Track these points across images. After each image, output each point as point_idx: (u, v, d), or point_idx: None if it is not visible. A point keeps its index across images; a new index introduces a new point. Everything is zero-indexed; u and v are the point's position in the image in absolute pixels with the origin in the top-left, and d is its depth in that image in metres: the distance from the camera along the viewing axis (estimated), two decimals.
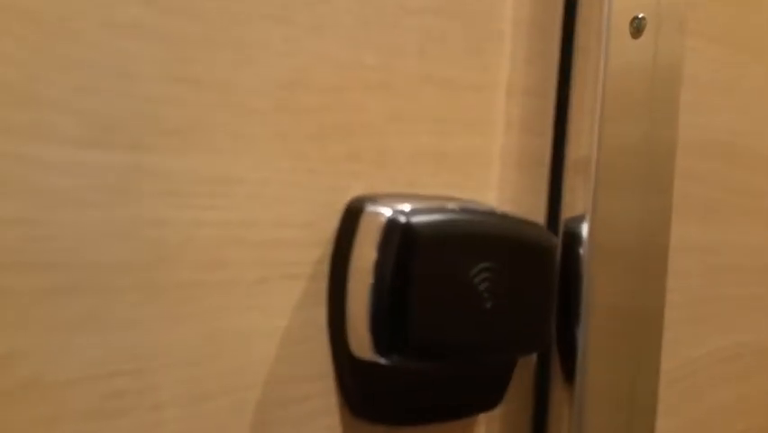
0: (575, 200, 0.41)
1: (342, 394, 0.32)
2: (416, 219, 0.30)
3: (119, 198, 0.25)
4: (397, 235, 0.30)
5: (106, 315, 0.24)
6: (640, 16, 0.40)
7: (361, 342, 0.30)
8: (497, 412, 0.39)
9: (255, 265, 0.29)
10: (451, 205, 0.33)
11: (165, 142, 0.26)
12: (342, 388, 0.32)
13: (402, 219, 0.30)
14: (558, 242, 0.37)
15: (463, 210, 0.33)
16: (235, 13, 0.27)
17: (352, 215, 0.31)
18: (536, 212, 0.41)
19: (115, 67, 0.24)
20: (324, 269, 0.31)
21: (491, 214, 0.35)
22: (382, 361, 0.30)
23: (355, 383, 0.31)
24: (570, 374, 0.41)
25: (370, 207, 0.31)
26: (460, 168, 0.37)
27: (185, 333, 0.27)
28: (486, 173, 0.39)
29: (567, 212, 0.41)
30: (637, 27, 0.40)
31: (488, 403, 0.37)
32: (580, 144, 0.41)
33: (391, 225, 0.30)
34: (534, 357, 0.41)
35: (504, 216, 0.35)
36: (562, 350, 0.41)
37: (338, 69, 0.31)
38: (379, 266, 0.29)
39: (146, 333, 0.25)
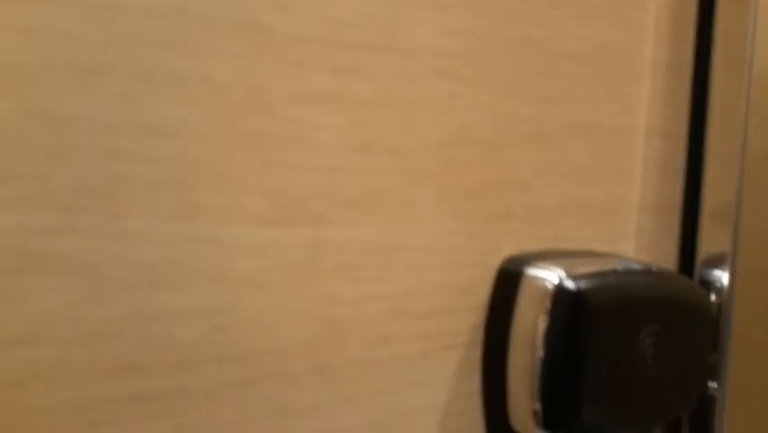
0: (710, 245, 0.39)
1: None
2: (585, 285, 0.28)
3: (299, 276, 0.23)
4: (569, 303, 0.28)
5: (288, 402, 0.23)
6: None
7: (523, 416, 0.28)
8: None
9: (418, 339, 0.27)
10: (612, 265, 0.31)
11: (343, 214, 0.24)
12: None
13: (571, 286, 0.28)
14: (712, 301, 0.35)
15: (627, 271, 0.31)
16: (406, 71, 0.25)
17: (509, 278, 0.29)
18: (668, 258, 0.39)
19: (301, 139, 0.22)
20: (479, 335, 0.29)
21: (649, 272, 0.32)
22: None
23: None
24: None
25: (530, 271, 0.29)
26: (601, 218, 0.35)
27: (357, 418, 0.25)
28: (625, 222, 0.37)
29: (701, 258, 0.39)
30: None
31: None
32: (723, 191, 0.38)
33: (561, 292, 0.28)
34: None
35: (661, 274, 0.33)
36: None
37: (495, 122, 0.29)
38: (549, 336, 0.27)
39: (326, 417, 0.24)
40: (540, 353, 0.28)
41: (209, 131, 0.20)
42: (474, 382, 0.29)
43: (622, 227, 0.36)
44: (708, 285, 0.38)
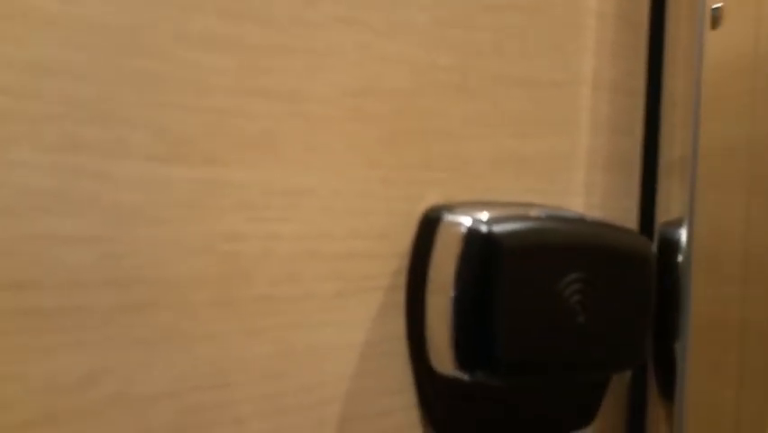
0: (671, 204, 0.38)
1: (424, 409, 0.30)
2: (497, 228, 0.29)
3: (194, 213, 0.25)
4: (479, 246, 0.28)
5: (186, 330, 0.24)
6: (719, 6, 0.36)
7: (442, 357, 0.29)
8: (588, 432, 0.37)
9: (331, 279, 0.28)
10: (535, 212, 0.31)
11: (238, 155, 0.25)
12: (424, 403, 0.30)
13: (483, 228, 0.28)
14: (654, 251, 0.34)
15: (549, 217, 0.31)
16: (308, 20, 0.27)
17: (429, 225, 0.30)
18: (628, 218, 0.39)
19: (190, 80, 0.24)
20: (402, 281, 0.30)
21: (581, 221, 0.33)
22: (465, 377, 0.29)
23: (438, 399, 0.30)
24: (668, 391, 0.38)
25: (448, 217, 0.30)
26: (542, 172, 0.35)
27: (263, 348, 0.26)
28: (571, 177, 0.37)
29: (662, 217, 0.38)
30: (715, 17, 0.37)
31: (579, 422, 0.35)
32: (675, 144, 0.38)
33: (471, 234, 0.28)
34: (628, 373, 0.39)
35: (595, 224, 0.33)
36: (658, 365, 0.38)
37: (411, 73, 0.30)
38: (460, 279, 0.28)
39: (225, 348, 0.25)
40: (452, 294, 0.28)
41: (91, 70, 0.22)
42: (399, 326, 0.30)
43: (567, 182, 0.36)
44: (669, 244, 0.38)
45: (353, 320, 0.29)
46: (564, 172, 0.36)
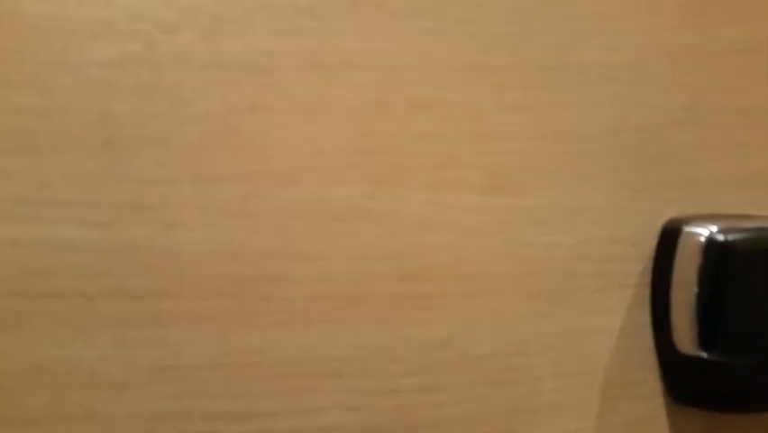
0: None
1: (665, 382, 0.38)
2: (731, 236, 0.36)
3: (504, 228, 0.34)
4: (717, 252, 0.36)
5: (502, 311, 0.34)
6: None
7: (685, 339, 0.37)
8: None
9: (596, 277, 0.37)
10: (759, 223, 0.38)
11: (533, 185, 0.35)
12: (665, 377, 0.38)
13: (720, 237, 0.36)
14: None
15: None
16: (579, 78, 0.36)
17: (670, 234, 0.38)
18: None
19: (501, 133, 0.34)
20: (647, 279, 0.38)
21: None
22: (704, 355, 0.36)
23: (677, 374, 0.38)
24: None
25: (688, 228, 0.37)
26: (762, 187, 0.41)
27: (550, 327, 0.35)
28: None
29: None
30: None
31: None
32: None
33: (711, 243, 0.36)
34: None
35: None
36: None
37: (652, 111, 0.38)
38: (702, 278, 0.36)
39: (526, 325, 0.35)
40: (695, 290, 0.36)
41: (438, 130, 0.33)
42: (644, 315, 0.38)
43: None
44: None
45: (611, 310, 0.37)
46: None
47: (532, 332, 0.35)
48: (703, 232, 0.36)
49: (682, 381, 0.38)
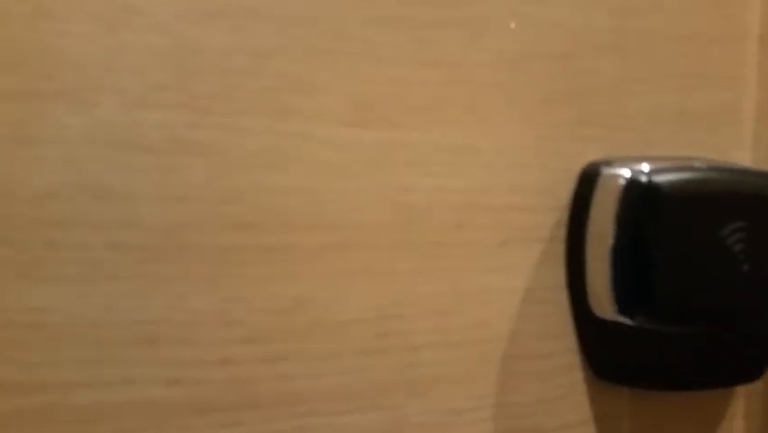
0: None
1: (584, 354, 0.32)
2: (657, 178, 0.30)
3: (375, 168, 0.29)
4: (638, 195, 0.29)
5: (372, 267, 0.28)
6: None
7: (602, 303, 0.31)
8: (759, 388, 0.36)
9: (494, 229, 0.31)
10: (696, 163, 0.32)
11: (411, 119, 0.29)
12: (584, 348, 0.32)
13: (643, 179, 0.30)
14: None
15: (711, 168, 0.31)
16: None
17: (588, 179, 0.32)
18: None
19: (370, 56, 0.28)
20: (562, 233, 0.32)
21: (744, 171, 0.32)
22: (626, 321, 0.30)
23: (598, 344, 0.32)
24: None
25: (607, 170, 0.31)
26: (704, 126, 0.35)
27: (434, 286, 0.30)
28: (736, 130, 0.36)
29: None
30: None
31: (746, 375, 0.35)
32: None
33: (631, 185, 0.30)
34: None
35: (760, 174, 0.33)
36: None
37: (567, 36, 0.32)
38: (620, 227, 0.30)
39: (403, 284, 0.29)
40: (611, 242, 0.30)
41: (299, 52, 0.27)
42: (559, 274, 0.32)
43: (732, 136, 0.36)
44: None
45: (516, 267, 0.31)
46: (729, 126, 0.36)
47: (410, 292, 0.29)
48: (623, 173, 0.30)
49: (603, 352, 0.32)
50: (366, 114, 0.28)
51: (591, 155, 0.33)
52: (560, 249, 0.32)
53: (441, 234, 0.30)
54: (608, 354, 0.32)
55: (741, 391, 0.36)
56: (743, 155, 0.36)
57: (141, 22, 0.25)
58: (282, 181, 0.27)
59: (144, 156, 0.25)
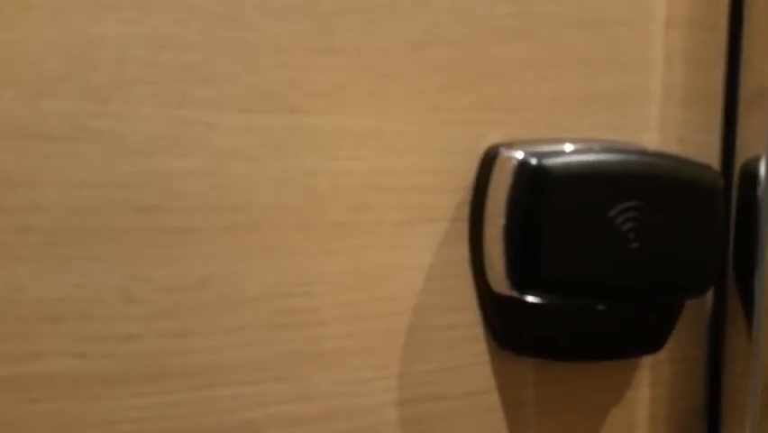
0: (752, 139, 0.38)
1: (487, 326, 0.34)
2: (547, 160, 0.31)
3: (278, 152, 0.30)
4: (527, 176, 0.31)
5: (276, 247, 0.30)
6: None
7: (498, 279, 0.32)
8: (664, 357, 0.38)
9: (398, 209, 0.32)
10: (592, 146, 0.33)
11: (313, 104, 0.30)
12: (486, 320, 0.34)
13: (533, 161, 0.31)
14: (722, 182, 0.35)
15: (606, 149, 0.33)
16: None
17: (488, 161, 0.33)
18: (708, 152, 0.39)
19: (271, 44, 0.29)
20: (465, 213, 0.34)
21: (640, 152, 0.34)
22: (519, 296, 0.32)
23: (498, 317, 0.34)
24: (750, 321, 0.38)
25: (504, 153, 0.33)
26: (611, 108, 0.36)
27: (339, 265, 0.31)
28: (644, 112, 0.37)
29: (745, 152, 0.38)
30: None
31: (647, 347, 0.37)
32: (761, 77, 0.37)
33: (522, 166, 0.31)
34: (709, 302, 0.39)
35: (656, 155, 0.34)
36: (743, 296, 0.39)
37: (468, 23, 0.33)
38: (511, 207, 0.31)
39: (308, 263, 0.31)
40: (503, 222, 0.31)
41: (197, 41, 0.28)
42: (462, 252, 0.34)
43: (639, 117, 0.37)
44: (751, 178, 0.37)
45: (420, 245, 0.33)
46: (636, 108, 0.37)
47: (314, 271, 0.31)
48: (517, 156, 0.32)
49: (505, 325, 0.34)
50: (266, 100, 0.30)
51: (495, 138, 0.34)
52: (463, 228, 0.34)
53: (346, 214, 0.31)
54: (509, 327, 0.34)
55: (647, 360, 0.38)
56: (651, 136, 0.38)
57: (37, 14, 0.26)
58: (182, 166, 0.29)
59: (46, 144, 0.26)
